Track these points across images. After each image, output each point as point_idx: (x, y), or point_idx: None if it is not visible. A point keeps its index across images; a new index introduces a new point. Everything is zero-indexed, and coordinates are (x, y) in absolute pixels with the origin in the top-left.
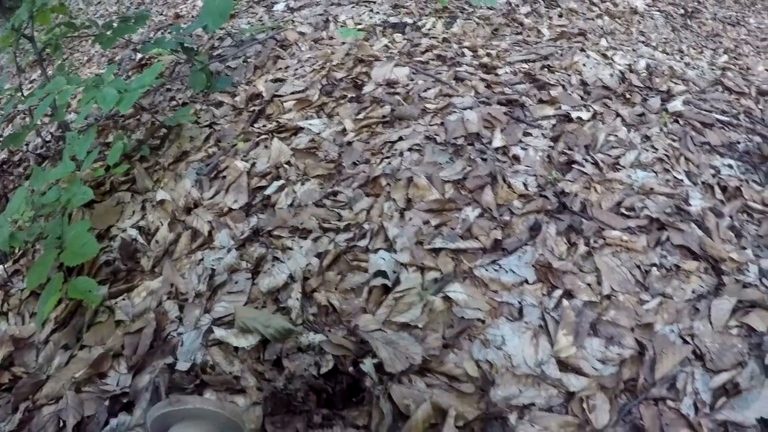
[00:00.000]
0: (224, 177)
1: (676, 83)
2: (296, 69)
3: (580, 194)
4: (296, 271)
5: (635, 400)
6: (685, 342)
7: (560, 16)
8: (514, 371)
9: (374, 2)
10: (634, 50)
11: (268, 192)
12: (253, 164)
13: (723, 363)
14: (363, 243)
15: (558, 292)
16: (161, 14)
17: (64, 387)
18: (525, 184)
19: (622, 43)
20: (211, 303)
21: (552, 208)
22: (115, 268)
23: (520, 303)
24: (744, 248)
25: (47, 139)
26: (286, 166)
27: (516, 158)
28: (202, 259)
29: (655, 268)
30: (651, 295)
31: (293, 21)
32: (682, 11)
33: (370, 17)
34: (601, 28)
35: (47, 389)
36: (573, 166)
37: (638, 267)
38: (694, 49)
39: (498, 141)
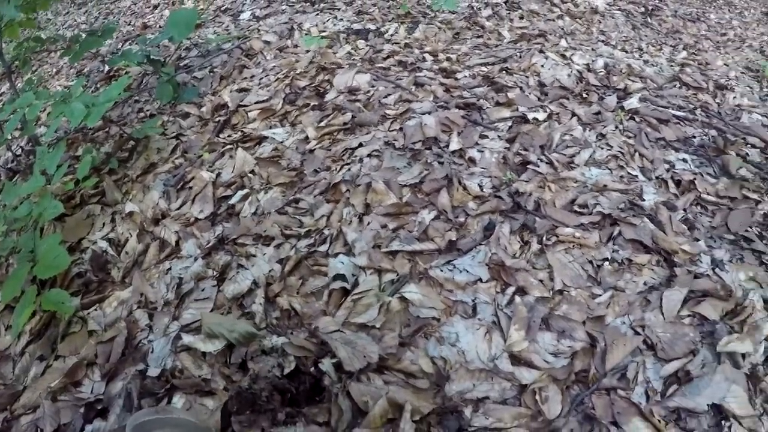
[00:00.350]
0: (191, 188)
1: (633, 81)
2: (261, 78)
3: (535, 193)
4: (260, 277)
5: (587, 390)
6: (636, 333)
7: (521, 18)
8: (467, 366)
9: (338, 9)
10: (593, 50)
11: (232, 201)
12: (219, 174)
13: (674, 352)
14: (323, 248)
15: (511, 290)
16: (129, 24)
17: (40, 396)
18: (480, 186)
19: (582, 43)
20: (179, 310)
21: (506, 208)
22: (86, 280)
23: (473, 301)
24: (697, 240)
25: (18, 153)
26: (250, 175)
27: (472, 160)
28: (170, 269)
29: (607, 263)
30: (603, 289)
31: (259, 30)
32: (642, 9)
33: (334, 24)
34: (562, 29)
35: (24, 399)
36: (528, 166)
37: (590, 262)
38: (653, 46)
39: (455, 144)
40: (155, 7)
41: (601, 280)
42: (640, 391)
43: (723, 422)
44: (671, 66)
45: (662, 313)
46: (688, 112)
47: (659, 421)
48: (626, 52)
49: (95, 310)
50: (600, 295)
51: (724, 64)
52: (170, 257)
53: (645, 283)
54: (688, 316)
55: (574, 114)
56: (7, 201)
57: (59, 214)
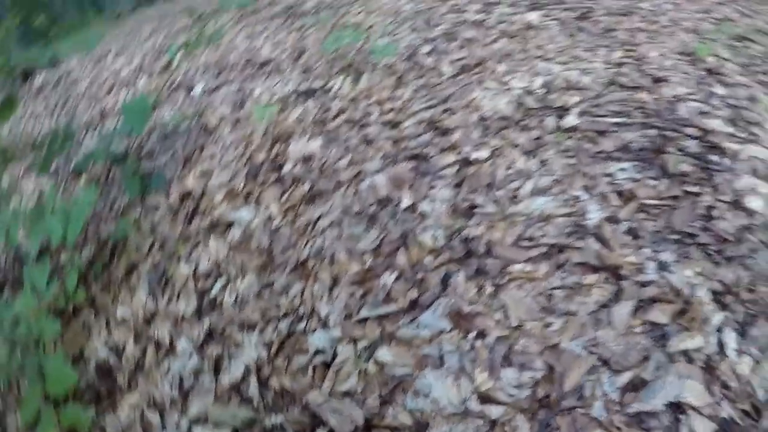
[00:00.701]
0: (173, 284)
1: (570, 95)
2: (221, 156)
3: (485, 236)
4: (250, 363)
5: (551, 414)
6: (591, 352)
7: (460, 48)
8: (442, 413)
9: (285, 70)
10: (531, 69)
11: (213, 293)
12: (196, 266)
13: (628, 362)
14: (301, 326)
15: (472, 335)
16: (88, 109)
17: None
18: (434, 239)
19: (520, 64)
20: (185, 406)
21: (459, 256)
22: (96, 389)
23: (440, 352)
24: (642, 247)
25: (3, 264)
26: (225, 263)
27: (423, 215)
28: (169, 368)
29: (557, 291)
30: (556, 317)
31: (212, 104)
32: (576, 14)
33: (283, 86)
34: (499, 52)
35: None
36: (475, 210)
37: (542, 294)
38: (589, 51)
39: (406, 200)
40: (110, 89)
41: (553, 309)
42: (599, 405)
43: (681, 416)
44: (608, 68)
45: (613, 328)
46: (625, 116)
47: (618, 428)
48: (563, 63)
49: (110, 417)
50: (553, 323)
51: (660, 55)
52: (168, 356)
53: (596, 302)
54: (640, 324)
55: (515, 145)
56: (1, 317)
57: (58, 332)
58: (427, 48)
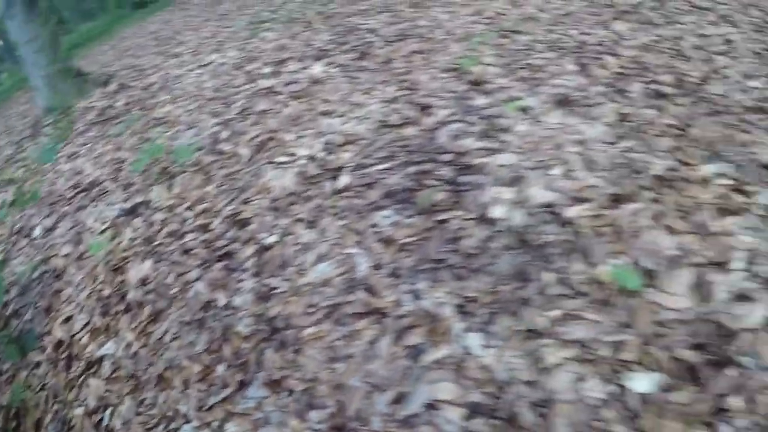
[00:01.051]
0: (74, 426)
1: (344, 152)
2: (77, 298)
3: (282, 312)
4: None
5: None
6: (365, 382)
7: (255, 124)
8: None
9: (109, 190)
10: (316, 129)
11: (105, 423)
12: (86, 405)
13: (392, 382)
14: (172, 426)
15: (284, 394)
16: None
17: None
18: (246, 326)
19: (307, 127)
20: None
21: (267, 335)
22: None
23: (265, 414)
24: (400, 284)
25: None
26: (106, 395)
27: (236, 308)
28: None
29: (338, 341)
30: (340, 362)
31: (54, 245)
32: (357, 54)
33: (111, 209)
34: (289, 118)
35: None
36: (273, 291)
37: (327, 347)
38: (367, 93)
39: (222, 300)
40: None
41: (337, 357)
42: (375, 419)
43: (436, 410)
44: (383, 108)
45: (380, 359)
46: (390, 160)
47: None
48: (342, 116)
49: None
50: (338, 368)
51: (430, 78)
52: None
53: (367, 342)
54: (400, 350)
55: (299, 219)
56: None
57: None
58: (226, 133)
